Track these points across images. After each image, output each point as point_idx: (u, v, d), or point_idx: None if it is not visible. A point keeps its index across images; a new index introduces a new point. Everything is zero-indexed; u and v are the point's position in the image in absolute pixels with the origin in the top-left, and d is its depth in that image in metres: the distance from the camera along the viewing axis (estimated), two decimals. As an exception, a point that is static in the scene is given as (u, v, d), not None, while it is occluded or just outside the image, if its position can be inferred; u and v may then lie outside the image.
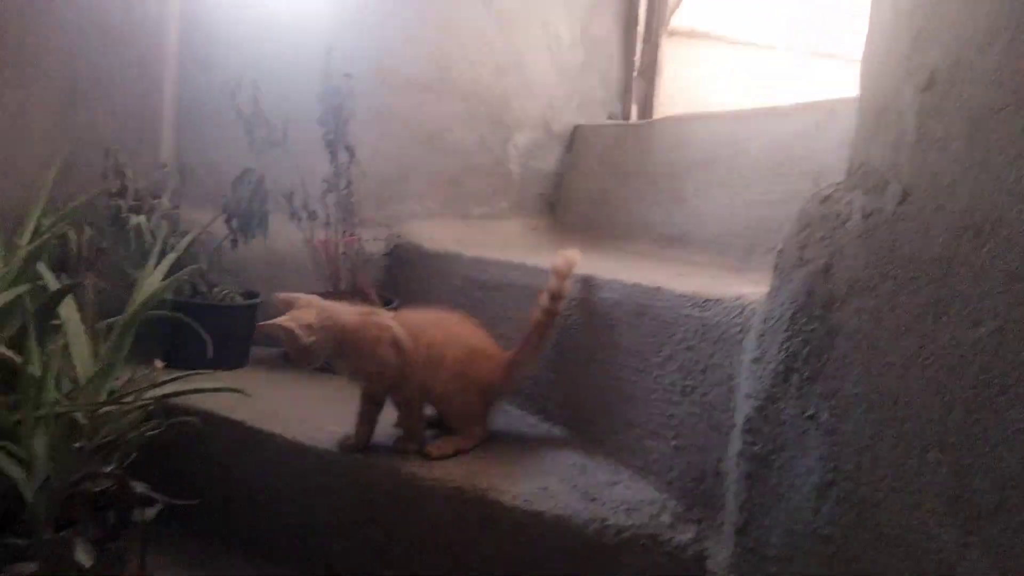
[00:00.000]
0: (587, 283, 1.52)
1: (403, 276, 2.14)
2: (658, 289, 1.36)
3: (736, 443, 1.12)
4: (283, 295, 1.38)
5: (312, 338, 1.30)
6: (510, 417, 1.63)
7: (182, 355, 1.62)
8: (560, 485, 1.32)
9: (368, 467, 1.39)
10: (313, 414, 1.56)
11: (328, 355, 1.35)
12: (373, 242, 2.16)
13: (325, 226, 1.93)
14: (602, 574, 1.22)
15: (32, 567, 0.90)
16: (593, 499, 1.28)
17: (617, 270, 1.53)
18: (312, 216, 1.89)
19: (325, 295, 1.91)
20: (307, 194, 1.89)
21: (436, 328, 1.46)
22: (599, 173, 2.31)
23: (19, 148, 1.77)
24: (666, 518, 1.23)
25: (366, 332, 1.37)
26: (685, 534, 1.20)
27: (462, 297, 1.86)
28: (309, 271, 2.01)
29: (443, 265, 1.98)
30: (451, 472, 1.35)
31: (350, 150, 1.88)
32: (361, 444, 1.41)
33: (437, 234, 2.15)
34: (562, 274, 1.45)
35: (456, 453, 1.41)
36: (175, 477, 1.30)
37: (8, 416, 1.22)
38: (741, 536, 1.08)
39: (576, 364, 1.55)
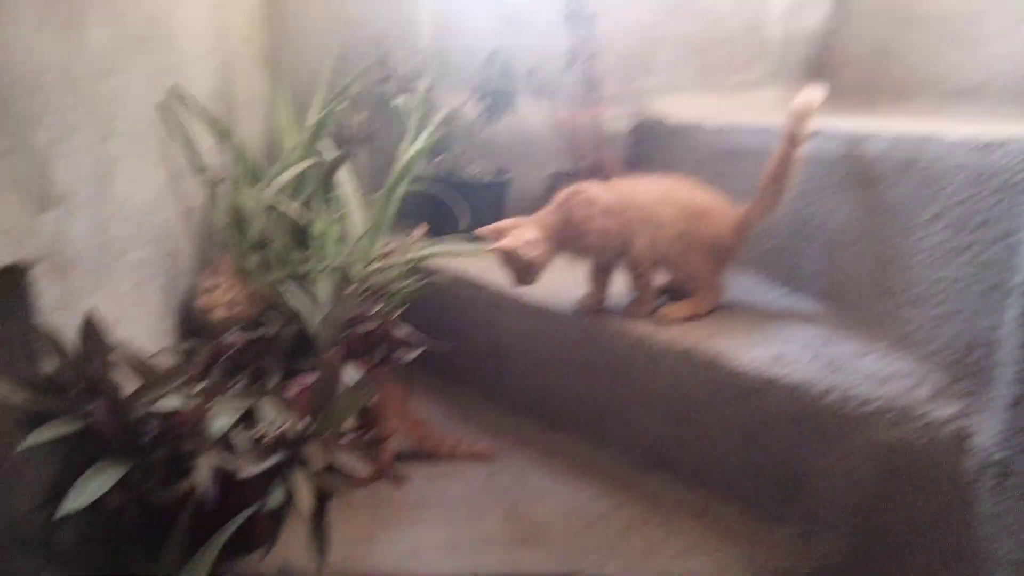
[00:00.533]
0: (844, 138, 1.36)
1: (646, 154, 2.10)
2: (928, 137, 1.18)
3: (1015, 306, 0.96)
4: (488, 228, 1.39)
5: (536, 251, 1.33)
6: (753, 287, 1.56)
7: (440, 228, 1.77)
8: (799, 353, 1.25)
9: (600, 328, 1.42)
10: (552, 279, 1.63)
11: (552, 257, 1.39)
12: (616, 119, 2.13)
13: (568, 102, 1.95)
14: (839, 446, 1.14)
15: (314, 376, 1.09)
16: (836, 369, 1.19)
17: (884, 125, 1.35)
18: (555, 92, 1.91)
19: (565, 174, 1.96)
20: (550, 70, 1.91)
21: (649, 190, 1.42)
22: (875, 25, 2.02)
23: (306, 42, 2.01)
24: (924, 391, 1.11)
25: (576, 213, 1.37)
26: (946, 409, 1.07)
27: (705, 169, 1.77)
28: (554, 149, 2.06)
29: (686, 138, 1.90)
30: (683, 335, 1.34)
31: (591, 22, 1.85)
32: (593, 307, 1.45)
33: (683, 107, 2.05)
34: (799, 115, 1.31)
35: (692, 317, 1.39)
36: (429, 331, 1.45)
37: (300, 266, 1.46)
38: (1014, 412, 0.94)
39: (826, 229, 1.42)
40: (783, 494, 1.23)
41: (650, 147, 2.08)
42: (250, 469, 0.94)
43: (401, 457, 1.41)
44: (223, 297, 1.33)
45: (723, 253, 1.43)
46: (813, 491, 1.19)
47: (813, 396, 1.16)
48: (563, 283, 1.56)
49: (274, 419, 1.03)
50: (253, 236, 1.48)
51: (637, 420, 1.40)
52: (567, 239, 1.38)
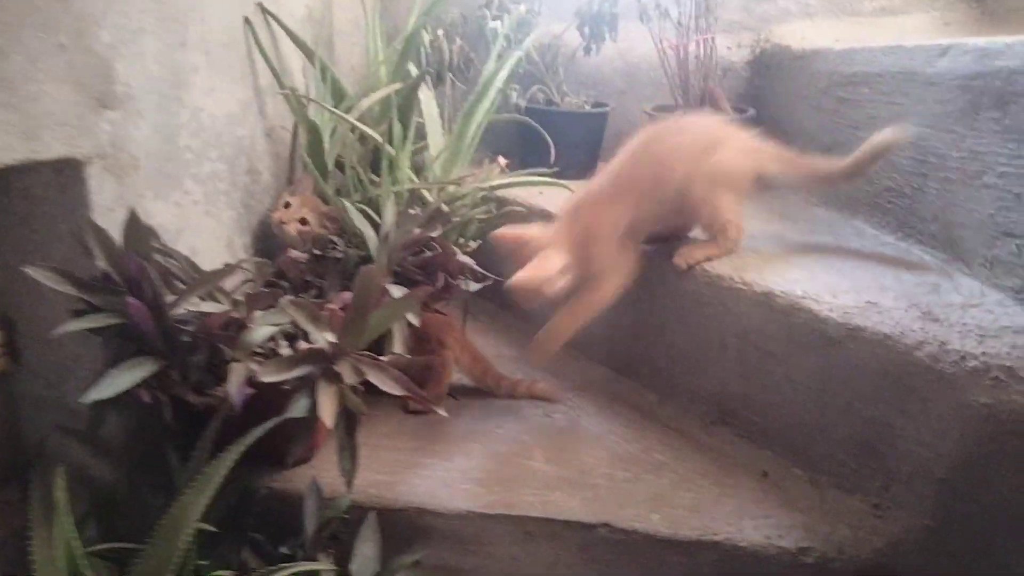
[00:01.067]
0: (976, 53, 1.16)
1: (765, 85, 1.91)
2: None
3: None
4: (503, 232, 1.23)
5: (559, 286, 1.18)
6: (857, 231, 1.38)
7: (530, 161, 1.71)
8: (895, 302, 1.09)
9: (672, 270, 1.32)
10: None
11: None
12: (736, 49, 1.95)
13: (678, 28, 1.79)
14: (928, 408, 0.99)
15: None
16: (936, 320, 1.03)
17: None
18: (664, 15, 1.76)
19: (669, 108, 1.82)
20: (659, -8, 1.77)
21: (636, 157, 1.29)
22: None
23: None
24: (1038, 354, 0.93)
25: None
26: (1063, 376, 0.89)
27: (825, 99, 1.60)
28: (662, 81, 1.91)
29: (808, 66, 1.70)
30: (762, 277, 1.21)
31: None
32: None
33: (812, 33, 1.84)
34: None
35: (705, 259, 1.28)
36: (503, 267, 1.40)
37: (373, 190, 1.45)
38: None
39: (947, 164, 1.22)
40: (857, 461, 1.09)
41: (770, 79, 1.89)
42: (273, 375, 0.95)
43: (458, 390, 1.40)
44: (295, 214, 1.35)
45: (736, 186, 1.27)
46: (892, 458, 1.05)
47: (904, 348, 1.01)
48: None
49: (310, 332, 1.03)
50: (331, 159, 1.50)
51: (706, 371, 1.30)
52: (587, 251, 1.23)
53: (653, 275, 1.35)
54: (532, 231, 1.24)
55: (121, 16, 1.00)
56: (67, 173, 0.95)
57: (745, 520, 1.09)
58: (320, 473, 1.13)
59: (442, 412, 1.12)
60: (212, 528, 0.95)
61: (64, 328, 0.89)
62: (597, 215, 1.24)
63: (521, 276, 1.15)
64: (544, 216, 1.59)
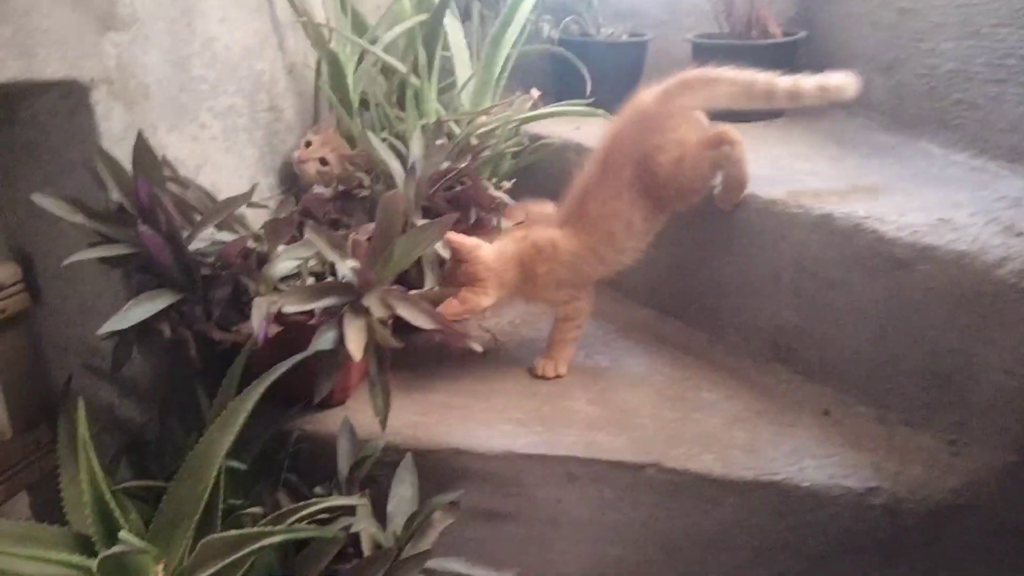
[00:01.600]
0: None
1: (815, 6, 1.78)
2: None
3: None
4: (454, 237, 1.11)
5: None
6: (924, 150, 1.27)
7: (564, 96, 1.62)
8: (972, 218, 0.99)
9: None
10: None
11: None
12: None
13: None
14: (1010, 333, 0.90)
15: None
16: (1020, 234, 0.93)
17: None
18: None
19: (713, 37, 1.71)
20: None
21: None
22: None
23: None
24: None
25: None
26: None
27: (883, 13, 1.47)
28: (704, 9, 1.80)
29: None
30: (820, 201, 1.11)
31: None
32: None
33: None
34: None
35: None
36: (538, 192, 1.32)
37: (399, 125, 1.39)
38: None
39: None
40: (929, 394, 1.00)
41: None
42: (297, 305, 0.89)
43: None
44: (315, 153, 1.29)
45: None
46: (970, 390, 0.96)
47: (983, 266, 0.92)
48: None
49: (335, 262, 0.97)
50: (356, 95, 1.43)
51: (758, 306, 1.21)
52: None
53: (695, 207, 1.26)
54: (480, 249, 1.14)
55: (124, -69, 0.94)
56: (73, 98, 0.90)
57: (806, 460, 1.01)
58: (354, 416, 1.08)
59: (476, 347, 1.06)
60: (241, 465, 0.91)
61: (76, 257, 0.84)
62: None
63: (452, 308, 1.09)
64: (579, 151, 1.50)
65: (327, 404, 1.15)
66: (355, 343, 0.91)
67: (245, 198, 0.95)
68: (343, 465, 1.01)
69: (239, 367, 0.94)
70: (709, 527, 1.03)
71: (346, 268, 0.94)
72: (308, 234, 0.93)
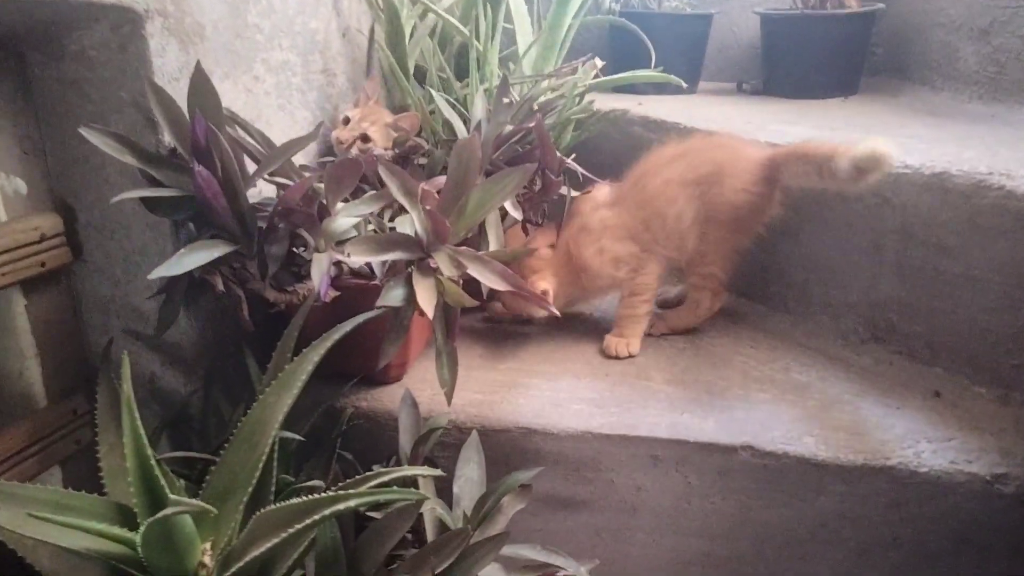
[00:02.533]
0: None
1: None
2: None
3: None
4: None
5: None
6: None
7: (623, 67, 1.53)
8: (1115, 172, 0.88)
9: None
10: (753, 119, 1.34)
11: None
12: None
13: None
14: None
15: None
16: None
17: None
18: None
19: (786, 9, 1.62)
20: None
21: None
22: None
23: None
24: None
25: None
26: None
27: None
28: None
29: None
30: (933, 158, 1.01)
31: None
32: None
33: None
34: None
35: None
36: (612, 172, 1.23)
37: (460, 90, 1.30)
38: None
39: None
40: (1067, 370, 0.89)
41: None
42: (364, 255, 0.80)
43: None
44: (355, 130, 1.16)
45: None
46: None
47: None
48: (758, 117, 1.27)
49: (406, 205, 0.88)
50: (412, 61, 1.35)
51: (853, 280, 1.11)
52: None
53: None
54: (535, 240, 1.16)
55: None
56: (125, 30, 0.82)
57: (922, 443, 0.90)
58: (413, 392, 0.99)
59: (554, 311, 0.96)
60: (297, 437, 0.82)
61: (125, 195, 0.76)
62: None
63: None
64: (646, 125, 1.41)
65: (382, 380, 1.07)
66: (427, 300, 0.82)
67: (309, 139, 0.86)
68: (405, 441, 0.91)
69: (296, 327, 0.85)
70: (810, 518, 0.93)
71: (415, 221, 0.85)
72: (381, 171, 0.85)
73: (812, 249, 1.15)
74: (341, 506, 0.60)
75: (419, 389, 1.02)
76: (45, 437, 0.88)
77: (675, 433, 0.95)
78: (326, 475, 0.91)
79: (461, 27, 1.28)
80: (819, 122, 1.33)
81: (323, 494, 0.63)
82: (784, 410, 0.99)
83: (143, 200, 0.82)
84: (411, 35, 1.38)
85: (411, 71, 1.34)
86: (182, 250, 0.78)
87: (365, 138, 1.17)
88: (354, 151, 1.17)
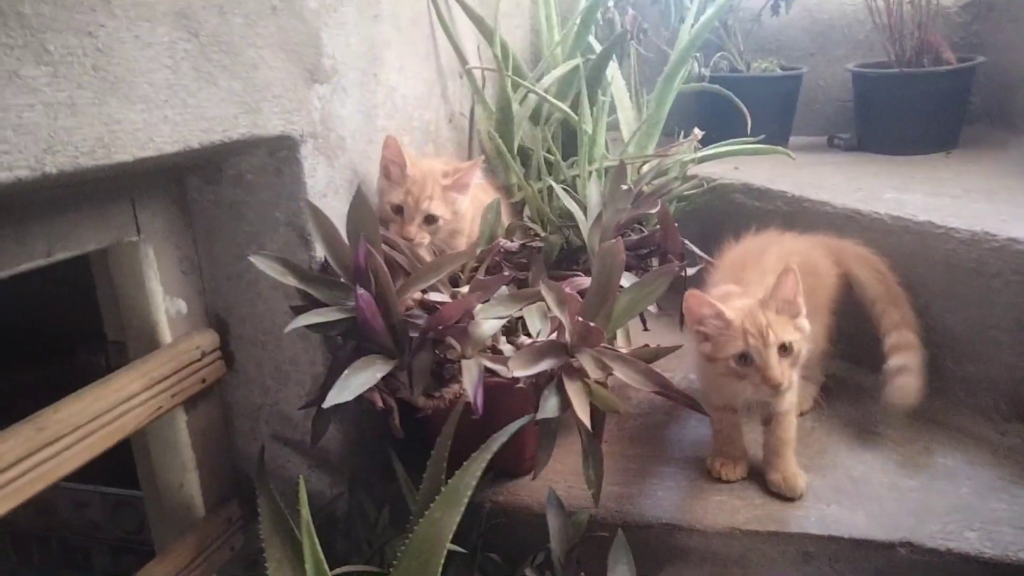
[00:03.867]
0: None
1: (986, 30, 1.65)
2: None
3: None
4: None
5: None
6: None
7: (717, 134, 1.53)
8: None
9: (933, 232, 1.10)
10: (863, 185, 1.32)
11: None
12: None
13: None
14: None
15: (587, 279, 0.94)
16: None
17: None
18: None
19: (876, 66, 1.60)
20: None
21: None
22: None
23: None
24: None
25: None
26: None
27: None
28: (858, 38, 1.70)
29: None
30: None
31: None
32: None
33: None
34: None
35: None
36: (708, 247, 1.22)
37: (569, 171, 1.32)
38: None
39: None
40: None
41: (993, 21, 1.64)
42: (524, 369, 0.81)
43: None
44: (413, 222, 1.01)
45: None
46: None
47: None
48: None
49: (541, 326, 0.90)
50: (517, 142, 1.37)
51: (993, 356, 1.07)
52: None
53: (909, 244, 1.14)
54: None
55: (323, -19, 0.90)
56: (281, 154, 0.86)
57: (1099, 537, 0.86)
58: (545, 487, 0.98)
59: (702, 408, 0.95)
60: (462, 550, 0.82)
61: (294, 325, 0.79)
62: None
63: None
64: (748, 192, 1.41)
65: (515, 473, 1.07)
66: (581, 408, 0.82)
67: (461, 257, 0.87)
68: (556, 545, 0.91)
69: (448, 436, 0.86)
70: (976, 619, 0.89)
71: (567, 331, 0.85)
72: (541, 288, 0.86)
73: (944, 323, 1.12)
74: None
75: (552, 481, 1.01)
76: (206, 548, 0.90)
77: (827, 529, 0.92)
78: (472, 577, 0.91)
79: (569, 111, 1.29)
80: (932, 187, 1.31)
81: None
82: (937, 500, 0.95)
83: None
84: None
85: (516, 150, 1.36)
86: (346, 371, 0.79)
87: (430, 219, 1.01)
88: (426, 240, 1.01)
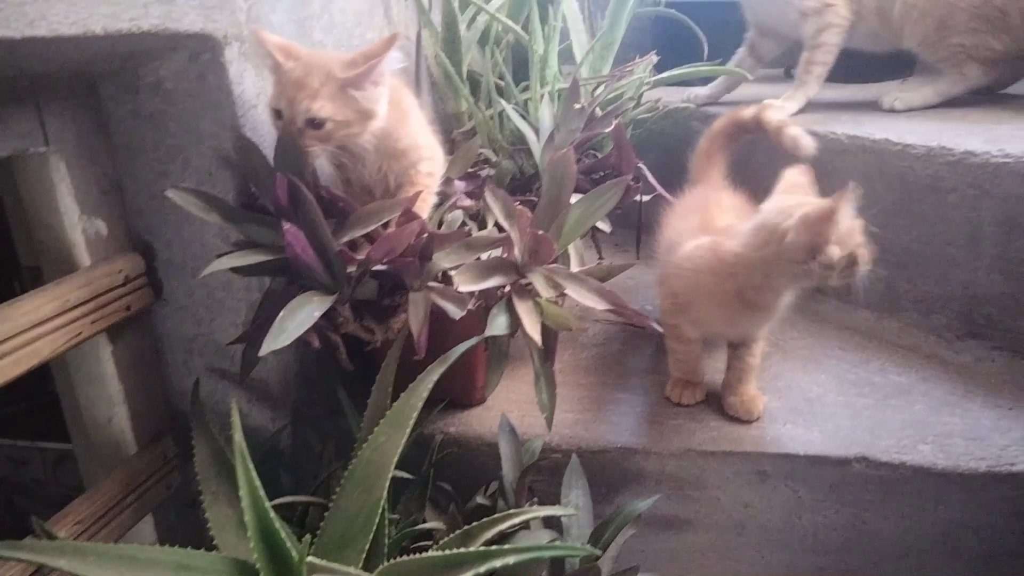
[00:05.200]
0: None
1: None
2: None
3: None
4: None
5: None
6: None
7: (678, 60, 1.48)
8: None
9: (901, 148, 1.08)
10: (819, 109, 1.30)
11: None
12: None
13: None
14: None
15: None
16: None
17: None
18: None
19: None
20: None
21: None
22: None
23: None
24: None
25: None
26: None
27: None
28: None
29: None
30: (1034, 146, 0.96)
31: None
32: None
33: None
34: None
35: None
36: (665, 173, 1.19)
37: (521, 95, 1.26)
38: None
39: None
40: None
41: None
42: (470, 284, 0.77)
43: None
44: (294, 124, 0.81)
45: None
46: None
47: None
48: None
49: (508, 228, 0.84)
50: (466, 68, 1.31)
51: (946, 274, 1.07)
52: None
53: (866, 163, 1.12)
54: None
55: None
56: (204, 58, 0.79)
57: (1049, 446, 0.87)
58: (498, 417, 0.95)
59: (657, 327, 0.93)
60: (409, 476, 0.79)
61: (212, 268, 0.73)
62: None
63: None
64: (703, 119, 1.37)
65: (467, 403, 1.03)
66: (532, 325, 0.79)
67: (407, 201, 0.80)
68: (509, 471, 0.88)
69: (393, 362, 0.82)
70: (929, 530, 0.89)
71: (515, 244, 0.81)
72: (487, 195, 0.81)
73: (897, 243, 1.11)
74: (498, 563, 0.57)
75: (505, 410, 0.98)
76: (139, 486, 0.85)
77: (781, 447, 0.91)
78: (422, 508, 0.88)
79: (521, 31, 1.24)
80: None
81: (468, 549, 0.59)
82: (891, 416, 0.95)
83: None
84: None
85: (466, 75, 1.30)
86: (282, 313, 0.73)
87: (315, 123, 0.78)
88: (314, 146, 0.79)
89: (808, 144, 1.01)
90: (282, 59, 0.77)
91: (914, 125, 1.16)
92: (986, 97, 1.31)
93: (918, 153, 1.05)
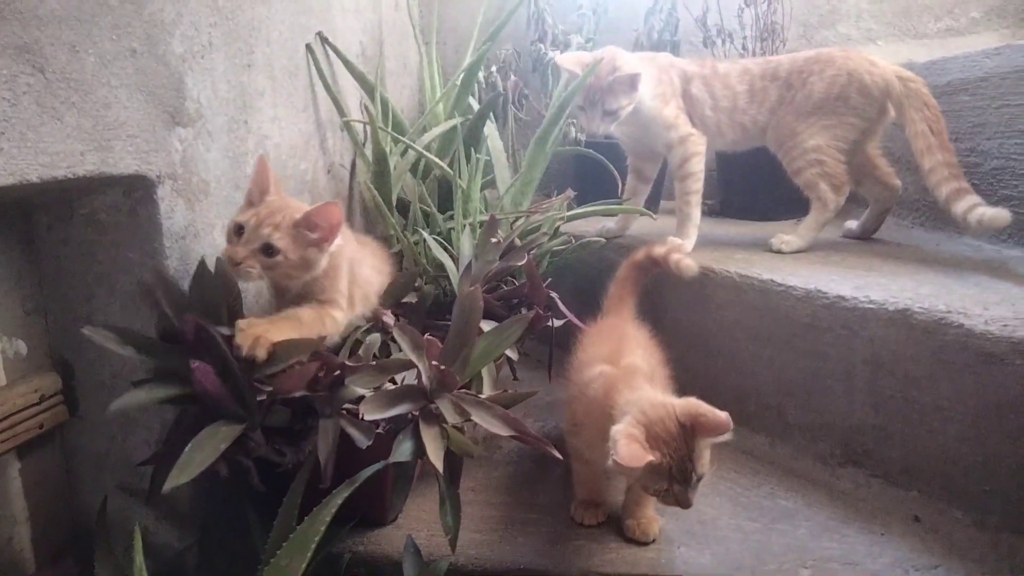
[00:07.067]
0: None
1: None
2: None
3: None
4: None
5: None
6: (980, 251, 1.26)
7: (589, 195, 1.61)
8: (1061, 312, 0.97)
9: (784, 294, 1.20)
10: (719, 247, 1.42)
11: None
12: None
13: (742, 51, 1.73)
14: None
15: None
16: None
17: None
18: (728, 39, 1.70)
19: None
20: (721, 16, 1.71)
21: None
22: None
23: (457, 9, 1.94)
24: None
25: None
26: None
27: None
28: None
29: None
30: (894, 293, 1.08)
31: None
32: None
33: (878, 60, 1.77)
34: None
35: None
36: (578, 305, 1.27)
37: (444, 224, 1.35)
38: None
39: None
40: (1037, 497, 0.95)
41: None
42: (376, 413, 0.82)
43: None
44: (252, 241, 0.89)
45: None
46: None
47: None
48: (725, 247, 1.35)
49: (416, 361, 0.90)
50: (396, 195, 1.40)
51: (827, 405, 1.16)
52: None
53: (756, 302, 1.23)
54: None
55: (191, 27, 0.91)
56: (137, 194, 0.85)
57: (911, 573, 0.94)
58: (404, 535, 0.98)
59: (556, 454, 0.98)
60: (308, 600, 0.80)
61: (121, 403, 0.76)
62: None
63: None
64: (618, 250, 1.49)
65: (378, 522, 1.06)
66: (435, 452, 0.83)
67: (313, 344, 0.86)
68: (411, 593, 0.90)
69: (300, 488, 0.86)
70: (809, 651, 0.94)
71: (422, 374, 0.87)
72: (395, 333, 0.87)
73: (786, 375, 1.21)
74: None
75: (415, 529, 1.01)
76: (33, 608, 0.84)
77: (673, 569, 0.96)
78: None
79: (446, 167, 1.34)
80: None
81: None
82: (775, 540, 1.01)
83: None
84: (393, 167, 1.44)
85: (394, 204, 1.39)
86: (189, 446, 0.77)
87: (269, 250, 0.88)
88: (254, 269, 0.88)
89: (689, 267, 1.19)
90: (273, 192, 0.93)
91: (798, 266, 1.28)
92: (865, 242, 1.46)
93: (798, 295, 1.17)
